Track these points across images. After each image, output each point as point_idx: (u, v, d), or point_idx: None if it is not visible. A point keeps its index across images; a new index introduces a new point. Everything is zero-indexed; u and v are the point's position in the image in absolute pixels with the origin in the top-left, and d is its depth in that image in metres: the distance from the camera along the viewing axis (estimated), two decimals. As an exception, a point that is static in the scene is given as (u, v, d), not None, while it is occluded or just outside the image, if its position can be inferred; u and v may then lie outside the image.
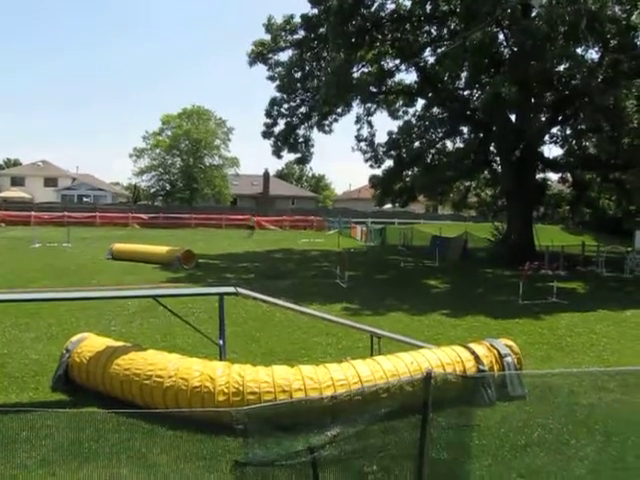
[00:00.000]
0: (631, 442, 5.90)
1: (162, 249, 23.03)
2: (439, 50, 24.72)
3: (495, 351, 7.47)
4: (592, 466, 5.43)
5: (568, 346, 10.57)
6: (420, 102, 29.23)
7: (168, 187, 63.57)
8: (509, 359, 7.45)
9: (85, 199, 64.30)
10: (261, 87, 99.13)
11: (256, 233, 41.56)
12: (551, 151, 77.95)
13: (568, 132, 25.83)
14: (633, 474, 5.32)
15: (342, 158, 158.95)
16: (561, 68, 20.54)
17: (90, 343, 7.62)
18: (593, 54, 21.59)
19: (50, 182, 68.44)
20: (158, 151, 62.18)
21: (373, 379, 6.44)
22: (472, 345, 7.60)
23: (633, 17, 19.46)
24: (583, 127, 22.92)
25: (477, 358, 7.25)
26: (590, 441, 5.92)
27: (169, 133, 62.41)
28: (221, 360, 7.51)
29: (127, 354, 7.08)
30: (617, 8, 19.05)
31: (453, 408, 5.33)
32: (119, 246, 24.05)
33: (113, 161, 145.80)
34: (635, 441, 5.93)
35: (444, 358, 7.10)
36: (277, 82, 28.50)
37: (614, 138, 20.21)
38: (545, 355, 9.86)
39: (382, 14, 23.78)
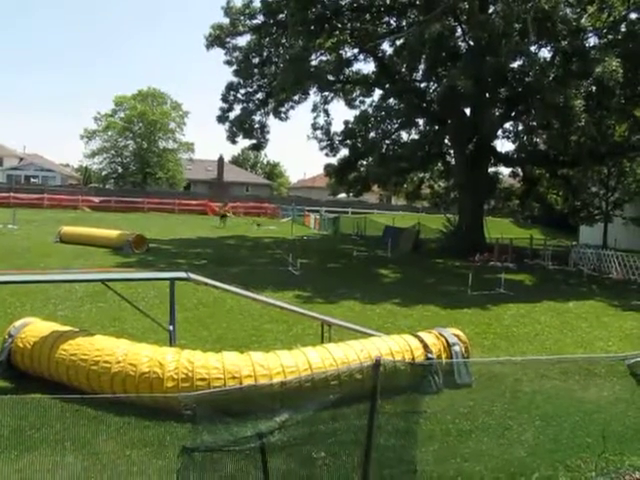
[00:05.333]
0: (566, 425, 6.20)
1: (112, 233, 22.53)
2: (397, 41, 24.89)
3: (443, 340, 7.64)
4: (531, 449, 5.67)
5: (514, 336, 10.91)
6: (377, 92, 29.40)
7: (120, 170, 62.15)
8: (457, 348, 7.63)
9: (33, 180, 62.06)
10: (218, 71, 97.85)
11: (209, 219, 40.95)
12: (503, 146, 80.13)
13: (520, 128, 26.48)
14: (566, 454, 5.60)
15: (298, 146, 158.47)
16: (515, 65, 21.00)
17: (35, 328, 7.41)
18: (545, 53, 22.17)
19: (-6, 161, 65.79)
20: (110, 133, 60.62)
21: (323, 366, 6.49)
22: (421, 334, 7.76)
23: (582, 20, 20.00)
24: (534, 124, 23.50)
25: (426, 346, 7.40)
26: (530, 425, 6.17)
27: (122, 115, 60.86)
28: (171, 346, 7.43)
29: (74, 339, 6.92)
30: (568, 10, 19.55)
31: (401, 395, 5.42)
32: (68, 229, 23.38)
33: (63, 142, 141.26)
34: (570, 424, 6.23)
35: (394, 346, 7.22)
36: (234, 67, 28.14)
37: (563, 136, 20.81)
38: (492, 344, 10.14)
39: (342, 3, 23.75)
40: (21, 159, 67.98)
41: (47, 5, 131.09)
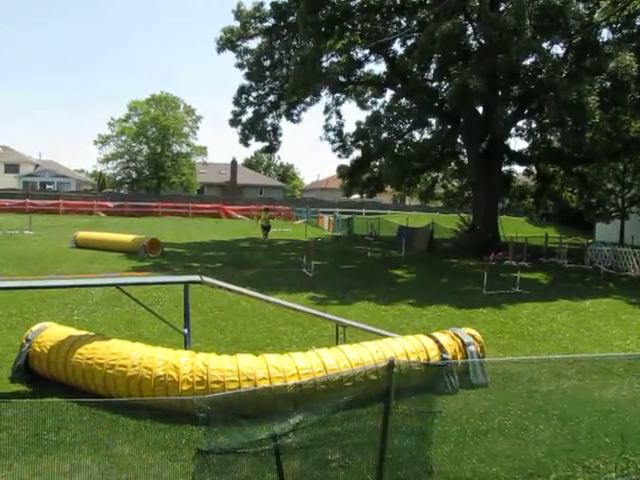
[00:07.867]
0: (584, 425, 6.11)
1: (127, 237, 22.70)
2: (408, 41, 24.86)
3: (458, 340, 7.59)
4: (548, 449, 5.60)
5: (530, 335, 10.82)
6: (389, 93, 29.38)
7: (134, 175, 62.65)
8: (472, 348, 7.58)
9: (48, 186, 62.85)
10: (230, 75, 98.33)
11: (223, 222, 41.08)
12: (517, 144, 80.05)
13: (533, 125, 26.32)
14: (585, 454, 5.52)
15: (311, 148, 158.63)
16: (527, 62, 20.85)
17: (51, 332, 7.48)
18: (558, 49, 21.99)
19: (11, 168, 66.62)
20: (124, 138, 61.14)
21: (338, 368, 6.47)
22: (436, 334, 7.71)
23: (595, 15, 19.80)
24: (548, 121, 23.30)
25: (441, 347, 7.35)
26: (547, 426, 6.09)
27: (136, 120, 61.34)
28: (186, 349, 7.46)
29: (90, 343, 6.97)
30: (581, 6, 19.38)
31: (416, 396, 5.39)
32: (83, 234, 23.60)
33: (78, 148, 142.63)
34: (588, 424, 6.14)
35: (408, 347, 7.18)
36: (246, 70, 28.27)
37: (577, 133, 20.59)
38: (507, 344, 10.06)
39: (352, 4, 23.72)
40: (36, 166, 68.87)
41: (60, 10, 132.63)
